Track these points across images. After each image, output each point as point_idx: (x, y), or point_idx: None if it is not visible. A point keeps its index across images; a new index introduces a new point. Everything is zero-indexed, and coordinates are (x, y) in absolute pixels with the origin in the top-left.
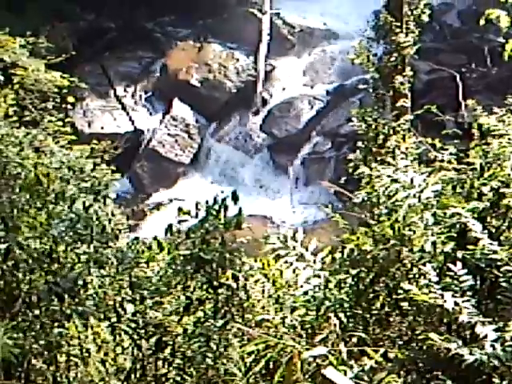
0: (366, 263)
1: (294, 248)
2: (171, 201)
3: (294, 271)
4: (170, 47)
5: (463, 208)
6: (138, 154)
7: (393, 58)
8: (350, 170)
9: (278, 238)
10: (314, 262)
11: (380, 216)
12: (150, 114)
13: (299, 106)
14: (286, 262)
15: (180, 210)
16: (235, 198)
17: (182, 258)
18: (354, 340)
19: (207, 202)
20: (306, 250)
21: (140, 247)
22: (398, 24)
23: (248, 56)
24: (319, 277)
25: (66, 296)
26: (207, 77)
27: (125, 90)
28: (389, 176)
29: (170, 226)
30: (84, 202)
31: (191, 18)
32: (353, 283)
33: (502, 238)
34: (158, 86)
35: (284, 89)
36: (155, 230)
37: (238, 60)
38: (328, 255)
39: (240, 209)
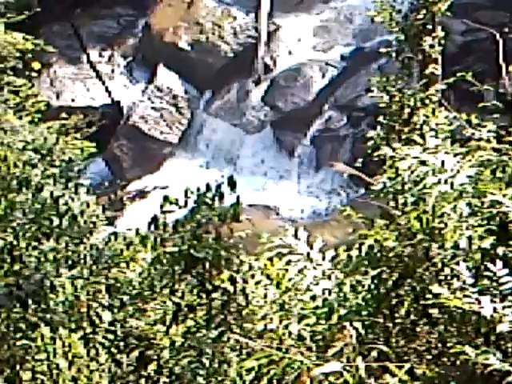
0: (388, 262)
1: (297, 246)
2: (156, 188)
3: (300, 271)
4: (154, 3)
5: (504, 196)
6: (115, 131)
7: (421, 16)
8: (370, 151)
9: (279, 235)
10: (323, 260)
11: (405, 206)
12: (131, 83)
13: (309, 73)
14: (290, 261)
15: (166, 198)
16: (232, 184)
17: (168, 256)
18: (374, 354)
19: (199, 190)
20: (311, 248)
21: (119, 244)
22: None
23: (247, 13)
24: (331, 278)
25: (31, 301)
26: (198, 38)
27: (100, 55)
28: (415, 157)
29: (155, 218)
30: (52, 192)
31: None
32: (372, 286)
33: None
34: (140, 50)
35: (291, 53)
36: (137, 222)
37: (235, 18)
38: (341, 253)
39: (238, 197)
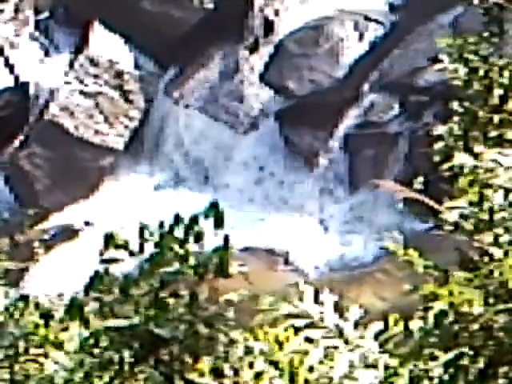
0: (472, 339)
1: (320, 315)
2: (89, 223)
3: (328, 356)
4: None
5: None
6: (23, 132)
7: None
8: (438, 158)
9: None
10: (364, 338)
11: (497, 247)
12: (47, 54)
13: (337, 33)
14: (311, 340)
15: (110, 237)
16: (216, 215)
17: (113, 334)
18: None
19: (161, 225)
20: (344, 318)
21: (31, 315)
22: None
23: None
24: (377, 367)
25: None
26: None
27: None
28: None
29: (97, 274)
30: None
31: None
32: (446, 378)
33: None
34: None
35: (307, 0)
36: (59, 280)
37: None
38: (394, 324)
39: (226, 237)
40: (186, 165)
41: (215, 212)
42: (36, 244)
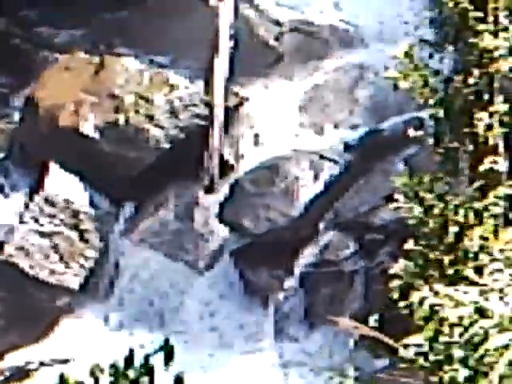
0: None
1: None
2: (44, 365)
3: None
4: (42, 65)
5: None
6: None
7: (471, 80)
8: (394, 297)
9: None
10: None
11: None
12: (4, 194)
13: (293, 172)
14: None
15: (62, 378)
16: (168, 353)
17: None
18: None
19: (114, 365)
20: None
21: None
22: (481, 15)
23: (193, 79)
24: None
25: None
26: (114, 120)
27: None
28: (473, 305)
29: None
30: None
31: (81, 10)
32: None
33: None
34: (19, 140)
35: (262, 142)
36: None
37: (172, 87)
38: None
39: (178, 378)
40: (140, 305)
41: (166, 348)
42: None
